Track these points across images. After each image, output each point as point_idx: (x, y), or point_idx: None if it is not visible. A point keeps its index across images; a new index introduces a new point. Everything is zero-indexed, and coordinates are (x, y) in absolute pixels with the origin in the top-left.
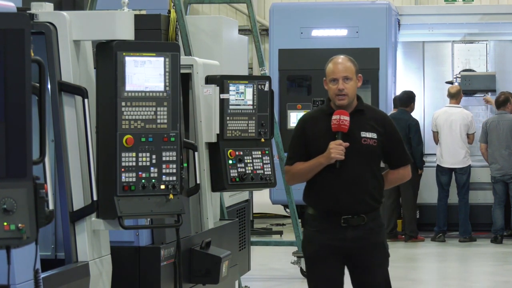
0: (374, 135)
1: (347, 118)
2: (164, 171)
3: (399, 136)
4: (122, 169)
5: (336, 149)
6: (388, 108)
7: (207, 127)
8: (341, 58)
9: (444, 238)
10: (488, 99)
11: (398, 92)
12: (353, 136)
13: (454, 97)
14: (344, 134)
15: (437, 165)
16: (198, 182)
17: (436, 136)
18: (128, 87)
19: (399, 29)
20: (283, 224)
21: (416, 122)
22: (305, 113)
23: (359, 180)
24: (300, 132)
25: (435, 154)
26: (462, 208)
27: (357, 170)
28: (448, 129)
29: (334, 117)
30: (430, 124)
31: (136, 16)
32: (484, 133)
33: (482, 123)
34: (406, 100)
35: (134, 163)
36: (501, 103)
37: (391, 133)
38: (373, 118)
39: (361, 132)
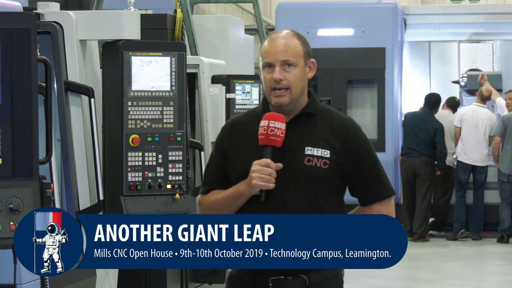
0: (326, 153)
1: (281, 125)
2: (170, 170)
3: (373, 156)
4: (128, 169)
5: (261, 173)
6: (394, 108)
7: (213, 127)
8: (283, 33)
9: (466, 233)
10: (484, 77)
11: (403, 92)
12: (291, 152)
13: (485, 99)
14: (276, 149)
15: (458, 161)
16: None
17: (458, 132)
18: (134, 87)
19: (405, 29)
20: None
21: (442, 127)
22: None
23: None
24: (219, 146)
25: None
26: (479, 206)
27: (295, 206)
28: (473, 127)
29: (262, 123)
30: None
31: (142, 15)
32: (503, 127)
33: (501, 118)
34: (433, 102)
35: (140, 163)
36: None
37: (356, 150)
38: (328, 127)
39: (306, 148)
